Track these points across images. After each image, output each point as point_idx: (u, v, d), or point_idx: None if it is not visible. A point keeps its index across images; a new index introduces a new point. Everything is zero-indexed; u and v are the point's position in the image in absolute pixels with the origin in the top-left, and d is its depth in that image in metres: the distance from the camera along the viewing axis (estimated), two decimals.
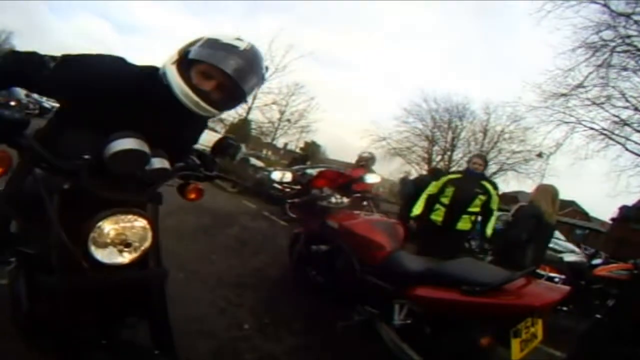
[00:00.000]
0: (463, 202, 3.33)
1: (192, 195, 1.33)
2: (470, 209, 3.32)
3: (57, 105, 1.15)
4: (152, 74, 1.05)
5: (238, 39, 1.04)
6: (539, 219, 3.02)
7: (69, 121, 1.07)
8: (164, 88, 1.01)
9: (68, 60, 1.02)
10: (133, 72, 1.06)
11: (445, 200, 3.37)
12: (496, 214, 3.42)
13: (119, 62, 1.07)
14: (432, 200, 3.47)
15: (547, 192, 3.23)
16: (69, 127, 1.06)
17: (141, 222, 0.96)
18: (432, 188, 3.53)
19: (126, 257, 0.94)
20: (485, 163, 3.63)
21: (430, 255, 2.25)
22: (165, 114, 1.06)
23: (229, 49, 1.00)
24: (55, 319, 0.92)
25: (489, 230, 3.34)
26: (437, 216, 3.40)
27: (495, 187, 3.46)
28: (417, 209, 3.48)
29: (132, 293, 1.02)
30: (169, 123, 1.08)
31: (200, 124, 1.28)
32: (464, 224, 3.34)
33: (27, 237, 1.03)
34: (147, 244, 0.97)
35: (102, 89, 0.99)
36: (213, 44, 1.01)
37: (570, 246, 5.53)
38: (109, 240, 0.91)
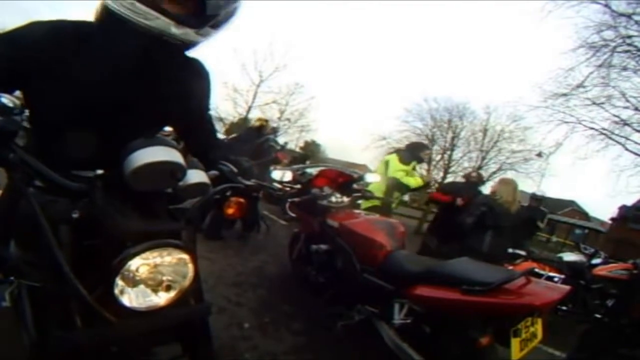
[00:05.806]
0: None
1: (231, 211, 1.09)
2: None
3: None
4: (91, 24, 0.83)
5: None
6: (491, 207, 3.24)
7: (46, 120, 0.85)
8: (117, 32, 0.76)
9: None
10: (75, 27, 0.83)
11: None
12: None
13: (53, 22, 0.83)
14: None
15: (508, 184, 3.49)
16: (51, 128, 0.83)
17: (181, 257, 0.79)
18: None
19: (162, 298, 0.77)
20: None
21: None
22: (139, 65, 0.84)
23: None
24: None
25: None
26: None
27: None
28: None
29: (170, 331, 0.88)
30: (148, 74, 0.86)
31: (190, 80, 0.98)
32: None
33: (28, 269, 0.84)
34: (187, 281, 0.81)
35: (54, 55, 0.77)
36: None
37: None
38: (139, 280, 0.74)
